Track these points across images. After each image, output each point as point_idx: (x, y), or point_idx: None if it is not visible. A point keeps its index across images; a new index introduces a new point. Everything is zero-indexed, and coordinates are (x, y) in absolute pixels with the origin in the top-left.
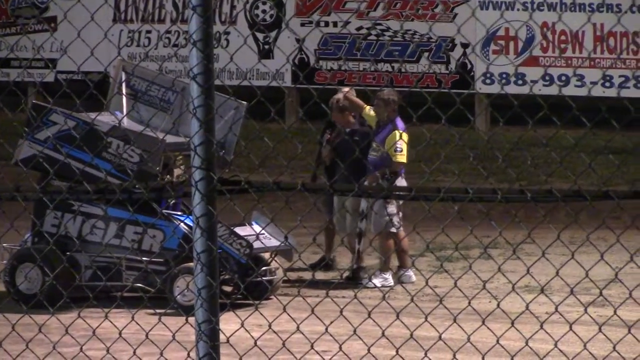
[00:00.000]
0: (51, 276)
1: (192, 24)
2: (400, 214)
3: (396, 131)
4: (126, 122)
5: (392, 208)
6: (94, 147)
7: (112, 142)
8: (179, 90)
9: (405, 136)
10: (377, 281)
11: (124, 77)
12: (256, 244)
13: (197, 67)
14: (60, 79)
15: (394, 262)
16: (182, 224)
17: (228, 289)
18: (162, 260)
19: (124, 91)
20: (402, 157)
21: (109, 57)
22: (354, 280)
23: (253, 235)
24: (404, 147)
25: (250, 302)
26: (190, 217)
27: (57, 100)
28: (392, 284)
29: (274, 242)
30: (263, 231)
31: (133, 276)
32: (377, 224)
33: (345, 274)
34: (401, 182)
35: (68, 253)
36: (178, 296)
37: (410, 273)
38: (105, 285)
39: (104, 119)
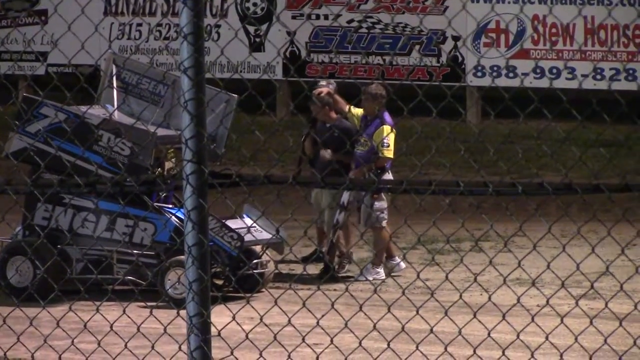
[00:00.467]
0: (42, 269)
1: (182, 17)
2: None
3: (384, 126)
4: (117, 115)
5: (381, 203)
6: (85, 140)
7: (103, 135)
8: (170, 83)
9: (393, 131)
10: (369, 275)
11: (114, 71)
12: (247, 237)
13: (188, 61)
14: (50, 72)
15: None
16: (172, 217)
17: (219, 282)
18: (153, 253)
19: (114, 84)
20: (389, 152)
21: (99, 50)
22: (325, 273)
23: (244, 228)
24: (392, 142)
25: (242, 295)
26: (181, 210)
27: (47, 93)
28: (384, 277)
29: (265, 235)
30: (254, 224)
31: (124, 269)
32: (367, 219)
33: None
34: (387, 177)
35: (59, 246)
36: (169, 289)
37: (399, 261)
38: (96, 278)
39: (95, 112)
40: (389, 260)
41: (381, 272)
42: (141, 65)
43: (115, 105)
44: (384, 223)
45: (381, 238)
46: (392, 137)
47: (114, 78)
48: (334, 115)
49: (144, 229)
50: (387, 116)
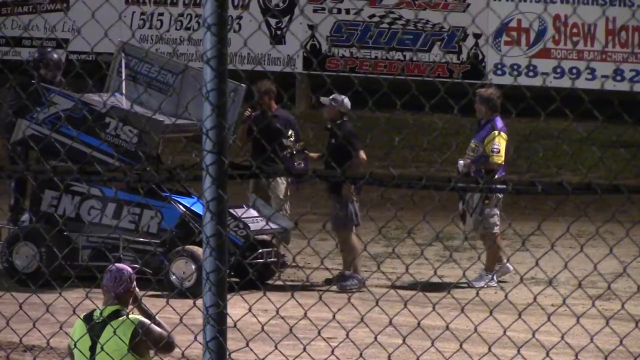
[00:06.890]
0: (46, 255)
1: (207, 8)
2: None
3: (495, 131)
4: (125, 104)
5: (493, 209)
6: (93, 127)
7: (110, 123)
8: (179, 72)
9: (503, 136)
10: (481, 282)
11: (124, 59)
12: (253, 227)
13: (211, 51)
14: (72, 59)
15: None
16: (180, 205)
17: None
18: (158, 241)
19: (123, 73)
20: (499, 158)
21: (120, 39)
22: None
23: (251, 217)
24: (502, 147)
25: (257, 287)
26: (187, 197)
27: (68, 80)
28: (495, 284)
29: (271, 225)
30: (259, 214)
31: (130, 256)
32: (478, 224)
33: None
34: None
35: (65, 233)
36: (174, 278)
37: (505, 261)
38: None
39: (104, 99)
40: (499, 265)
41: (493, 277)
42: (152, 55)
43: (124, 93)
44: (497, 229)
45: (493, 244)
46: (502, 142)
47: (123, 66)
48: (274, 104)
49: (150, 217)
50: (498, 121)
